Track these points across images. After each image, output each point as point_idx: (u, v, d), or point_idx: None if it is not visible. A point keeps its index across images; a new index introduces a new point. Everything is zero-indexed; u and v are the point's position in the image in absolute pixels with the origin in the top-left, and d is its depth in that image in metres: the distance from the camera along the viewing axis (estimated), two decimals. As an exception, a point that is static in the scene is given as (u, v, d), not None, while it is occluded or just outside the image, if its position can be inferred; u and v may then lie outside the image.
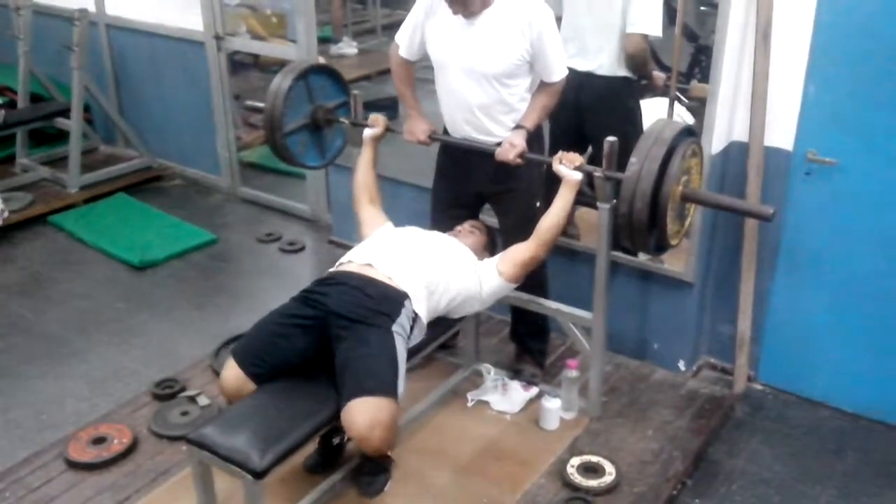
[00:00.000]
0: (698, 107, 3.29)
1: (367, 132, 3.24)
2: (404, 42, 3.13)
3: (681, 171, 2.59)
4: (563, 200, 2.84)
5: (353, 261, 2.81)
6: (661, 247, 2.76)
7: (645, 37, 3.27)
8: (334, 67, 3.49)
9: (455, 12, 2.87)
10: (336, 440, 2.80)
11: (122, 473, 2.92)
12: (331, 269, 2.85)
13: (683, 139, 2.62)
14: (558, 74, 2.95)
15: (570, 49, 3.20)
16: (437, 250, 2.91)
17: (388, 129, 3.25)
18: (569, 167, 2.80)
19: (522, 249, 2.90)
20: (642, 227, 2.59)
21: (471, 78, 2.94)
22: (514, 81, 2.95)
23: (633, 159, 2.58)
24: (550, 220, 2.85)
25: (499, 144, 2.97)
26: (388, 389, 2.44)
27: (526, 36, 2.85)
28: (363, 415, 2.39)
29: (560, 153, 2.84)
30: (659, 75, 3.44)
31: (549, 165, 2.87)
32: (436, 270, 2.81)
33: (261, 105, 3.32)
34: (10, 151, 5.64)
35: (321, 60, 4.14)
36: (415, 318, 2.70)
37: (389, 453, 2.72)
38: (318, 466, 2.80)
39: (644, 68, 3.36)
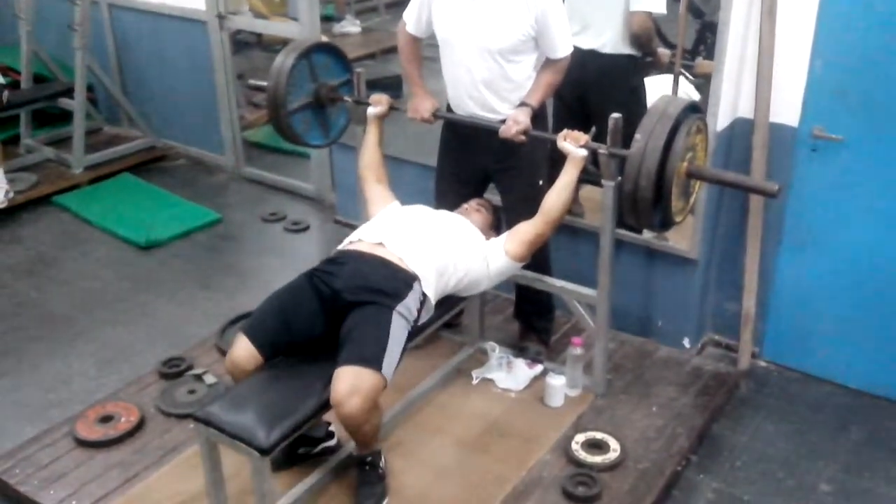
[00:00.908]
0: (703, 83, 3.27)
1: (371, 111, 3.22)
2: (412, 19, 3.11)
3: (685, 148, 2.57)
4: (567, 178, 2.83)
5: (364, 239, 2.80)
6: (665, 224, 2.75)
7: (649, 15, 3.25)
8: (337, 45, 3.48)
9: None
10: (302, 450, 2.78)
11: (130, 451, 2.94)
12: (339, 247, 2.84)
13: (688, 115, 2.60)
14: (563, 51, 2.94)
15: (574, 26, 3.18)
16: (447, 230, 2.91)
17: (391, 108, 3.24)
18: (574, 145, 2.80)
19: (529, 228, 2.89)
20: (647, 205, 2.59)
21: (476, 53, 2.93)
22: (519, 57, 2.93)
23: (637, 136, 2.56)
24: (556, 199, 2.85)
25: (503, 122, 2.96)
26: (371, 361, 2.43)
27: (531, 11, 2.83)
28: (343, 381, 2.39)
29: (565, 131, 2.83)
30: (664, 52, 3.42)
31: (554, 143, 2.87)
32: (447, 251, 2.81)
33: (264, 84, 3.30)
34: (15, 132, 5.63)
35: (324, 39, 4.12)
36: (423, 299, 2.70)
37: (381, 467, 2.68)
38: (279, 465, 2.72)
39: (648, 46, 3.34)
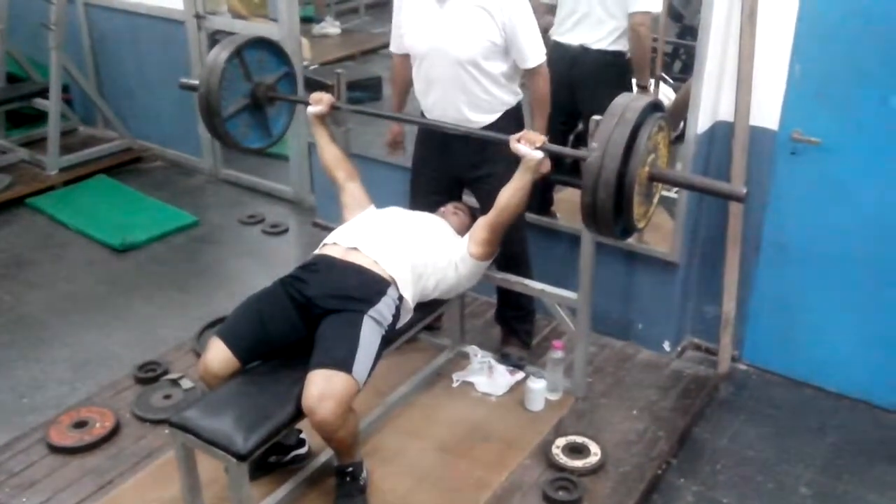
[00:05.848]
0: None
1: (310, 110, 3.12)
2: (395, 41, 3.16)
3: (647, 152, 2.39)
4: (520, 181, 2.74)
5: (338, 243, 2.77)
6: (627, 231, 2.56)
7: (648, 14, 3.25)
8: (270, 38, 3.30)
9: None
10: (272, 459, 2.74)
11: (105, 457, 2.90)
12: (315, 252, 2.81)
13: (649, 116, 2.41)
14: (534, 60, 2.91)
15: (569, 20, 3.18)
16: (423, 231, 2.89)
17: (332, 108, 3.12)
18: (529, 147, 2.68)
19: (484, 226, 2.86)
20: (608, 216, 2.40)
21: (447, 64, 2.93)
22: (489, 65, 2.92)
23: (593, 144, 2.38)
24: (510, 197, 2.77)
25: (483, 128, 2.95)
26: (342, 364, 2.40)
27: (497, 19, 2.83)
28: (314, 386, 2.36)
29: (522, 132, 2.73)
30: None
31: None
32: (422, 253, 2.79)
33: (195, 83, 3.15)
34: (-11, 133, 5.58)
35: (303, 40, 4.05)
36: (399, 303, 2.67)
37: (362, 479, 2.63)
38: (250, 474, 2.54)
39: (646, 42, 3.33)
